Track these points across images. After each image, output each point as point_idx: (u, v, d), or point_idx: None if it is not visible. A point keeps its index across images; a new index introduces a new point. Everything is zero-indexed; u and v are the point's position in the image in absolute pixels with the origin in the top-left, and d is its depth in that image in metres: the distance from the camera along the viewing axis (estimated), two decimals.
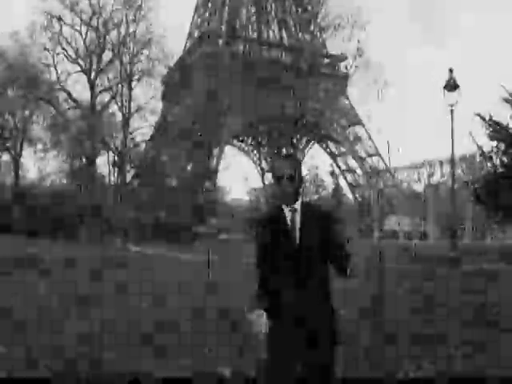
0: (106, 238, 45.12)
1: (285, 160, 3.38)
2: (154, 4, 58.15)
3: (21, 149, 54.60)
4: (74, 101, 52.22)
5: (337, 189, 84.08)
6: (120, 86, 52.17)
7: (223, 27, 79.99)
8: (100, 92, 53.11)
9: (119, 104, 52.45)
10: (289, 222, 3.26)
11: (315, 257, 3.21)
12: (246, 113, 53.64)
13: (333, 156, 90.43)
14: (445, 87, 19.79)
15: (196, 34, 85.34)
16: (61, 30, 51.07)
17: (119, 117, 53.28)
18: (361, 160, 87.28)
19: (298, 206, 3.30)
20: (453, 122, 19.49)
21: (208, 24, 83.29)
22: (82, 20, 51.49)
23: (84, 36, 51.85)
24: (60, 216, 48.47)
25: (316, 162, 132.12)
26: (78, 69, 52.44)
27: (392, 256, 20.95)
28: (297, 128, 50.76)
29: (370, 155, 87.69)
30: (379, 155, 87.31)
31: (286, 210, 3.29)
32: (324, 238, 3.26)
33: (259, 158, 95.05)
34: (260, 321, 3.07)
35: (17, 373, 5.41)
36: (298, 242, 3.22)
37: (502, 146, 23.09)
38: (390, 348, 6.34)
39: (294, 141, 54.41)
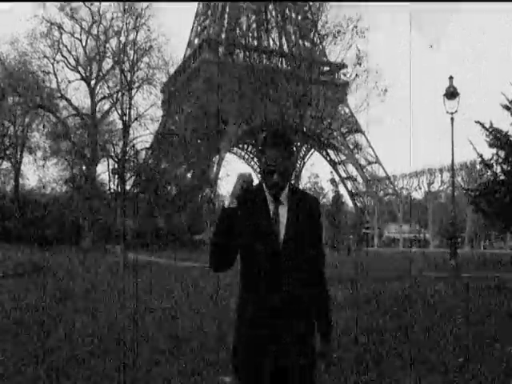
0: (106, 246, 45.05)
1: (278, 150, 2.68)
2: (154, 12, 58.32)
3: (21, 156, 54.63)
4: (75, 108, 52.24)
5: (337, 196, 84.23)
6: (120, 93, 52.15)
7: (223, 35, 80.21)
8: (100, 100, 53.15)
9: (119, 112, 52.45)
10: (272, 214, 2.70)
11: (300, 254, 2.69)
12: (246, 120, 53.62)
13: (333, 164, 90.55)
14: (445, 95, 19.79)
15: (196, 42, 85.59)
16: (61, 37, 51.10)
17: (119, 124, 53.27)
18: (361, 167, 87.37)
19: (282, 197, 2.74)
20: (453, 129, 19.46)
21: (208, 32, 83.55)
22: (82, 28, 51.56)
23: (84, 44, 51.93)
24: (60, 223, 48.48)
25: (316, 169, 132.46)
26: (78, 76, 52.49)
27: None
28: (297, 136, 50.75)
29: (370, 163, 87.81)
30: (379, 163, 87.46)
31: (268, 200, 2.74)
32: (310, 229, 2.76)
33: (259, 166, 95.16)
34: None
35: None
36: (281, 236, 2.66)
37: (502, 154, 23.12)
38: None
39: (294, 148, 54.32)
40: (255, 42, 54.27)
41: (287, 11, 58.72)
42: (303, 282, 2.70)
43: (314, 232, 2.78)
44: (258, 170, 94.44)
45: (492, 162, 23.74)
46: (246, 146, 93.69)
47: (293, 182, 2.91)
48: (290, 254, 2.65)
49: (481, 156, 23.91)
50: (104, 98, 53.19)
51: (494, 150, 23.48)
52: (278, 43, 66.88)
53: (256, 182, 2.77)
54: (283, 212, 2.72)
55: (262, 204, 2.73)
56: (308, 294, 2.73)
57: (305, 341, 2.69)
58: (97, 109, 52.60)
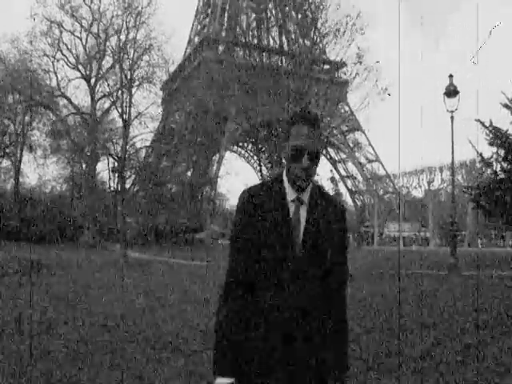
0: (106, 244, 45.13)
1: (308, 126, 2.19)
2: (154, 10, 58.35)
3: (21, 155, 54.64)
4: (75, 107, 52.25)
5: (337, 195, 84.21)
6: (120, 92, 52.17)
7: (223, 33, 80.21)
8: (100, 98, 53.15)
9: (119, 110, 52.47)
10: (291, 215, 2.20)
11: (321, 266, 2.19)
12: (246, 119, 53.58)
13: (333, 162, 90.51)
14: (445, 93, 19.78)
15: (196, 40, 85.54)
16: (61, 36, 51.10)
17: (119, 123, 53.32)
18: (361, 166, 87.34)
19: (305, 195, 2.24)
20: (453, 128, 19.47)
21: (208, 30, 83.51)
22: (82, 26, 51.56)
23: (84, 42, 51.94)
24: (60, 222, 48.51)
25: None
26: (79, 75, 52.50)
27: None
28: None
29: (370, 161, 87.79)
30: (379, 161, 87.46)
31: (289, 197, 2.23)
32: (335, 243, 2.25)
33: (259, 164, 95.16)
34: None
35: None
36: (300, 244, 2.16)
37: (502, 152, 23.11)
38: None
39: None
40: (255, 40, 54.27)
41: (287, 9, 58.76)
42: (322, 301, 2.21)
43: (338, 246, 2.27)
44: (258, 168, 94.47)
45: (492, 160, 23.73)
46: (245, 145, 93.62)
47: None
48: (309, 263, 2.17)
49: (480, 154, 23.90)
50: (104, 96, 53.22)
51: (494, 149, 23.48)
52: (278, 41, 66.95)
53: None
54: (303, 212, 2.23)
55: (279, 202, 2.22)
56: (325, 317, 2.23)
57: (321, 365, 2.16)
58: (97, 107, 52.63)
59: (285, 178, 2.27)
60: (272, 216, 2.18)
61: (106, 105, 54.07)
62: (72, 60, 52.03)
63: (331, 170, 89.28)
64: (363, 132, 76.62)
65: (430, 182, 75.24)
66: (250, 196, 2.25)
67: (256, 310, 2.16)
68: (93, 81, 52.14)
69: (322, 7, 47.57)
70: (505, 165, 23.17)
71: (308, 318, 2.15)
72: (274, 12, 71.02)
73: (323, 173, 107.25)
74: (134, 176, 54.20)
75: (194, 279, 16.25)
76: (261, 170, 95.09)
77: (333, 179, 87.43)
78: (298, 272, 2.15)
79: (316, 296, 2.19)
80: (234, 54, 56.08)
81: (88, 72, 52.18)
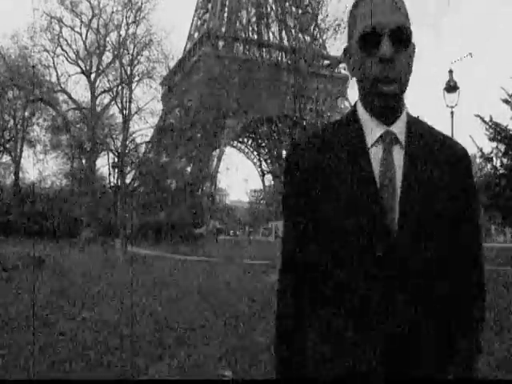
0: (106, 240, 45.09)
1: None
2: (154, 5, 58.53)
3: (21, 150, 54.58)
4: (74, 102, 52.20)
5: None
6: (120, 87, 52.16)
7: (223, 28, 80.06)
8: (100, 93, 53.11)
9: (119, 105, 52.44)
10: (375, 166, 1.33)
11: (434, 248, 1.32)
12: (246, 114, 53.62)
13: None
14: (445, 88, 19.75)
15: (196, 36, 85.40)
16: (61, 31, 51.07)
17: (119, 118, 53.30)
18: None
19: (398, 129, 1.38)
20: (453, 123, 19.45)
21: (208, 25, 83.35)
22: (82, 21, 51.51)
23: (84, 37, 51.87)
24: (60, 217, 48.47)
25: None
26: (78, 70, 52.45)
27: None
28: (296, 130, 50.76)
29: None
30: None
31: (370, 138, 1.36)
32: (456, 211, 1.36)
33: (259, 160, 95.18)
34: None
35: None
36: (396, 212, 1.30)
37: (502, 148, 23.10)
38: None
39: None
40: (255, 36, 54.21)
41: (287, 5, 58.64)
42: (437, 296, 1.36)
43: (463, 213, 1.39)
44: (258, 163, 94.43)
45: (492, 155, 23.73)
46: (246, 140, 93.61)
47: None
48: (412, 244, 1.30)
49: (481, 150, 23.89)
50: (104, 91, 53.20)
51: (494, 144, 23.47)
52: (278, 37, 66.82)
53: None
54: (398, 158, 1.35)
55: (353, 146, 1.37)
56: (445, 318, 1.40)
57: None
58: (97, 102, 52.61)
59: (360, 108, 1.43)
60: (342, 171, 1.34)
61: (106, 100, 54.10)
62: (72, 55, 52.05)
63: None
64: None
65: None
66: (302, 145, 1.43)
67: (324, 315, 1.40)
68: (93, 76, 52.12)
69: (322, 2, 47.51)
70: (505, 160, 23.17)
71: (412, 333, 1.32)
72: (273, 7, 70.92)
73: None
74: (134, 171, 54.17)
75: (198, 274, 16.25)
76: (261, 165, 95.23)
77: None
78: (393, 260, 1.30)
79: (425, 304, 1.34)
80: (234, 50, 56.09)
81: (88, 67, 52.15)
